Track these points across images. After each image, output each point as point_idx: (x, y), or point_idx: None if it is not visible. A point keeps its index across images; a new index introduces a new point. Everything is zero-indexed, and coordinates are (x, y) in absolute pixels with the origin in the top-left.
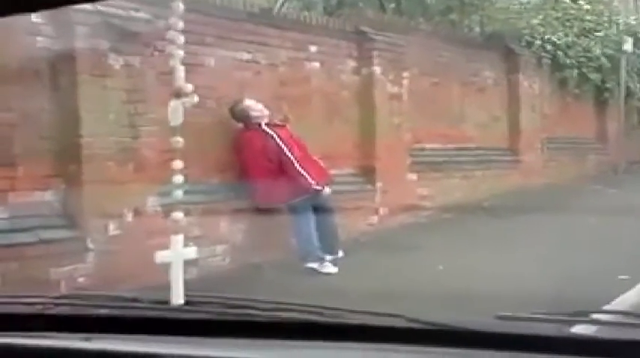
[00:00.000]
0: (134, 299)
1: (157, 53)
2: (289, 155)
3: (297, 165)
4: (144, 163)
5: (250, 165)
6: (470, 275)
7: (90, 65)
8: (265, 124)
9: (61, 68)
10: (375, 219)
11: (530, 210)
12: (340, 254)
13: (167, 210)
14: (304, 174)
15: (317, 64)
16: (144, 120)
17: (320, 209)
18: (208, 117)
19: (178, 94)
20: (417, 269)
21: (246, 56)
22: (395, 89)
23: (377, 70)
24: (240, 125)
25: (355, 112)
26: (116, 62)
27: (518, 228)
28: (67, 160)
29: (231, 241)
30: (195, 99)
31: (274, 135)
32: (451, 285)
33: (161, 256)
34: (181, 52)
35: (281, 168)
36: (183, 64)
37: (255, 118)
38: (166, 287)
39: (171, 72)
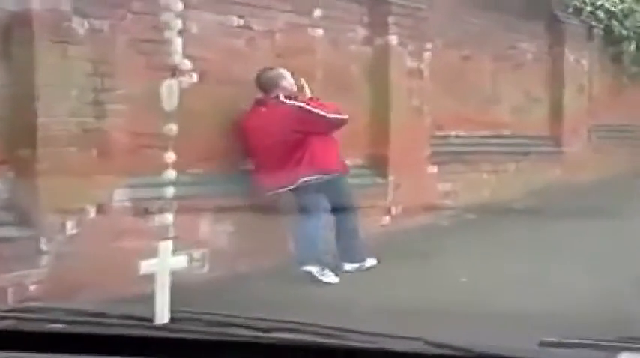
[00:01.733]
0: (100, 314)
1: (130, 16)
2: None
3: (319, 143)
4: (111, 149)
5: (261, 144)
6: (499, 289)
7: (48, 29)
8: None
9: (12, 33)
10: (386, 219)
11: (572, 213)
12: (370, 262)
13: (140, 206)
14: (324, 155)
15: (321, 32)
16: (112, 97)
17: (338, 204)
18: (190, 95)
19: (174, 72)
20: (436, 281)
21: (236, 21)
22: (415, 64)
23: (393, 40)
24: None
25: (366, 91)
26: (80, 26)
27: (556, 235)
28: (18, 144)
29: (212, 244)
30: (195, 77)
31: (309, 108)
32: (477, 302)
33: (146, 266)
34: (179, 22)
35: (299, 147)
36: (156, 28)
37: (284, 89)
38: (137, 299)
39: (165, 43)
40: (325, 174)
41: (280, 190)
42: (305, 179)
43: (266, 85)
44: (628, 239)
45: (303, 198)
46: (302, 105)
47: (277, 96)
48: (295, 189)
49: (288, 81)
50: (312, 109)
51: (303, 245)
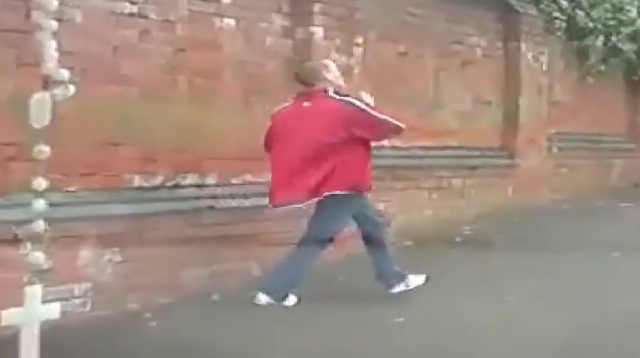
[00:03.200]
0: None
1: None
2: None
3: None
4: None
5: (291, 145)
6: (440, 326)
7: None
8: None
9: None
10: None
11: (525, 243)
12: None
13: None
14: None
15: (231, 22)
16: None
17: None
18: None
19: (47, 83)
20: (366, 325)
21: (128, 8)
22: (343, 60)
23: (318, 32)
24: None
25: (285, 92)
26: None
27: (504, 273)
28: None
29: (96, 277)
30: (72, 89)
31: (362, 107)
32: (420, 341)
33: (8, 316)
34: (53, 23)
35: (333, 155)
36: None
37: (330, 82)
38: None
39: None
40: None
41: (298, 203)
42: (330, 193)
43: (308, 77)
44: (583, 272)
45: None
46: (354, 101)
47: (325, 90)
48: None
49: (333, 73)
50: (366, 108)
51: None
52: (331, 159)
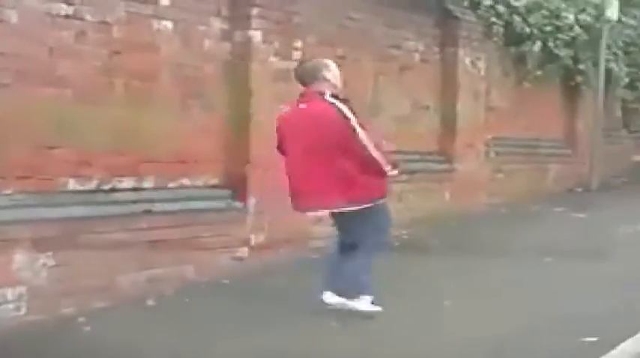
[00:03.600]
0: None
1: None
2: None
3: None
4: None
5: (294, 147)
6: (375, 330)
7: None
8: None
9: None
10: (244, 251)
11: (458, 247)
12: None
13: None
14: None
15: (169, 25)
16: None
17: None
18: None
19: None
20: (309, 327)
21: (64, 9)
22: (282, 64)
23: (256, 36)
24: None
25: (223, 96)
26: None
27: (441, 278)
28: None
29: (31, 281)
30: None
31: (350, 119)
32: (355, 345)
33: None
34: None
35: (337, 162)
36: None
37: (328, 83)
38: None
39: None
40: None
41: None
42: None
43: (306, 76)
44: (517, 278)
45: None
46: (344, 109)
47: (322, 92)
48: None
49: (333, 73)
50: (357, 127)
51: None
52: (334, 166)
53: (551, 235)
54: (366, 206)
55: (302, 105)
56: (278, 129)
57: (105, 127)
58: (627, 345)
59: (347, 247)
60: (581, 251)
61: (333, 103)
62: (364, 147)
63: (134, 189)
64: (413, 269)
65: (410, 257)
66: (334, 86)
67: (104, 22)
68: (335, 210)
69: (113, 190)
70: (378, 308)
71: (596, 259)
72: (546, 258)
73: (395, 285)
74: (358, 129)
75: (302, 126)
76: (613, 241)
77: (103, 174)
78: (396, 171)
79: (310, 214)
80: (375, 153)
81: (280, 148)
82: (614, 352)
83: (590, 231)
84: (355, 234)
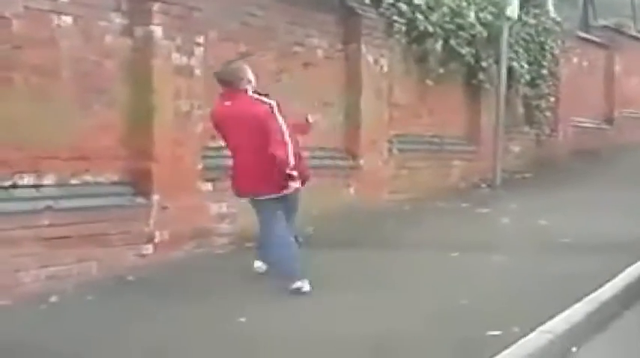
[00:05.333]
0: None
1: None
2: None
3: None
4: None
5: (233, 140)
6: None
7: None
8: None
9: None
10: (148, 248)
11: (362, 242)
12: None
13: None
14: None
15: (68, 19)
16: None
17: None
18: None
19: None
20: (208, 325)
21: None
22: (184, 60)
23: (157, 31)
24: None
25: (124, 92)
26: None
27: (341, 267)
28: None
29: None
30: None
31: (275, 116)
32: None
33: None
34: None
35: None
36: None
37: (250, 83)
38: None
39: None
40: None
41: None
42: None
43: (230, 77)
44: (425, 269)
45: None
46: (272, 104)
47: (246, 90)
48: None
49: (250, 74)
50: (278, 118)
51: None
52: (262, 157)
53: (457, 230)
54: (282, 194)
55: (227, 103)
56: (215, 125)
57: (4, 123)
58: (529, 340)
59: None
60: (485, 245)
61: (254, 98)
62: (276, 135)
63: (35, 186)
64: (317, 264)
65: (314, 251)
66: (253, 86)
67: (3, 17)
68: (262, 197)
69: (14, 186)
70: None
71: (497, 252)
72: (453, 252)
73: None
74: (283, 128)
75: (233, 122)
76: (516, 235)
77: (4, 171)
78: (296, 184)
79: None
80: (284, 142)
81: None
82: (516, 345)
83: (495, 226)
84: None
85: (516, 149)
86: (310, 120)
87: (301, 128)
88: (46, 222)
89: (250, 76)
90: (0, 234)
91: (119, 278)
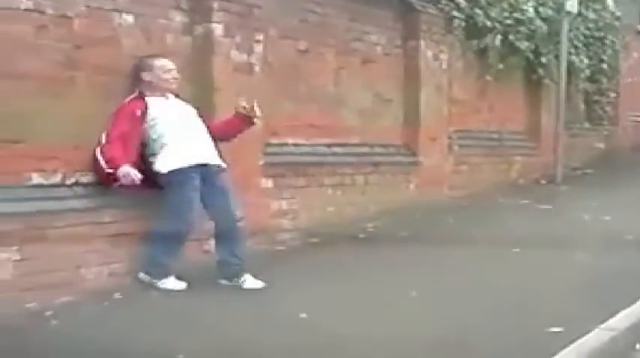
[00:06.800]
0: None
1: None
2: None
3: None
4: None
5: None
6: (340, 329)
7: None
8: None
9: None
10: (210, 244)
11: (424, 238)
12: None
13: None
14: None
15: (129, 18)
16: None
17: None
18: None
19: None
20: (271, 318)
21: (24, 3)
22: (243, 57)
23: (217, 29)
24: None
25: (184, 90)
26: None
27: (408, 268)
28: None
29: None
30: None
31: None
32: (311, 342)
33: None
34: None
35: None
36: None
37: (147, 84)
38: None
39: None
40: None
41: None
42: None
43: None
44: (483, 269)
45: None
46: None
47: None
48: None
49: (154, 74)
50: (113, 122)
51: None
52: None
53: (518, 227)
54: None
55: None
56: None
57: (66, 121)
58: (591, 337)
59: None
60: (547, 241)
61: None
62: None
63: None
64: (379, 261)
65: (376, 248)
66: (157, 86)
67: (64, 16)
68: None
69: (76, 184)
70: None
71: (562, 249)
72: (514, 248)
73: (361, 276)
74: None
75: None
76: (579, 231)
77: (66, 169)
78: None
79: None
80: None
81: None
82: (578, 342)
83: (557, 222)
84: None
85: (576, 144)
86: (244, 104)
87: (239, 122)
88: (107, 219)
89: (151, 76)
90: (63, 230)
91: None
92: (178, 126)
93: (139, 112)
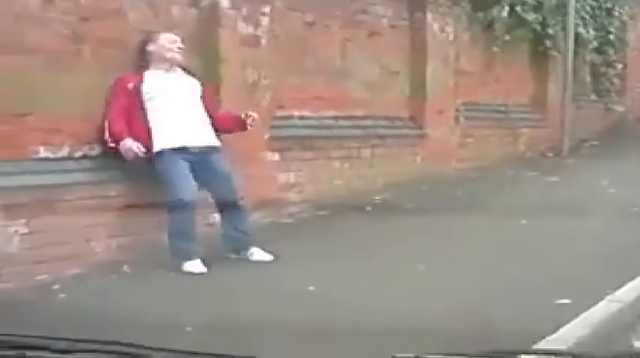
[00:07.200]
0: None
1: None
2: None
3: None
4: None
5: None
6: (349, 301)
7: None
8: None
9: None
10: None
11: (432, 210)
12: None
13: None
14: None
15: None
16: None
17: None
18: None
19: None
20: (278, 292)
21: None
22: (250, 30)
23: (223, 1)
24: None
25: (191, 63)
26: None
27: (417, 237)
28: None
29: (2, 249)
30: None
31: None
32: (328, 315)
33: None
34: None
35: None
36: None
37: (151, 54)
38: None
39: None
40: None
41: None
42: None
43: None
44: (492, 239)
45: None
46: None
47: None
48: None
49: (158, 44)
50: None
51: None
52: None
53: (525, 198)
54: None
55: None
56: None
57: (73, 95)
58: (599, 308)
59: None
60: (555, 213)
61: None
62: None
63: (102, 156)
64: (387, 233)
65: (384, 220)
66: (161, 57)
67: None
68: None
69: (84, 157)
70: None
71: (566, 220)
72: (522, 219)
73: (369, 248)
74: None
75: None
76: (586, 203)
77: (74, 142)
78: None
79: None
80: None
81: None
82: (583, 315)
83: (564, 194)
84: None
85: (583, 117)
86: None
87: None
88: (115, 193)
89: (154, 46)
90: (73, 203)
91: None
92: (173, 102)
93: (130, 86)
